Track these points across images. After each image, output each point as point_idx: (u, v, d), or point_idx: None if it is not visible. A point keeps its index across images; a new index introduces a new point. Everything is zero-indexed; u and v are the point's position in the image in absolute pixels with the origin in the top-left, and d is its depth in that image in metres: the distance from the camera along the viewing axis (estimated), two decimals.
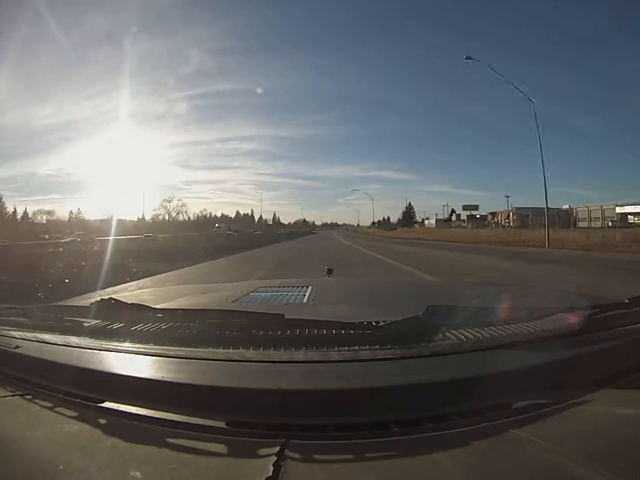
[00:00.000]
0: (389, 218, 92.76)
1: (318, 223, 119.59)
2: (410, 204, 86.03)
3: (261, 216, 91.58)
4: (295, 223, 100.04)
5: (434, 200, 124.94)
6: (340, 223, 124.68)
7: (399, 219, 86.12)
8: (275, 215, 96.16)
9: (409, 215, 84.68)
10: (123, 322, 0.79)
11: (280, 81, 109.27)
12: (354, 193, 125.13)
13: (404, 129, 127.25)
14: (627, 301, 0.76)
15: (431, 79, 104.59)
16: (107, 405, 0.57)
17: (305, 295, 1.22)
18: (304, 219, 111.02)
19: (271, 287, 1.53)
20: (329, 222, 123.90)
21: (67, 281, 6.48)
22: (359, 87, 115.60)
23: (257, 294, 1.31)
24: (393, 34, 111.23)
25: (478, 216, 62.33)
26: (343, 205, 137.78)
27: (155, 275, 8.24)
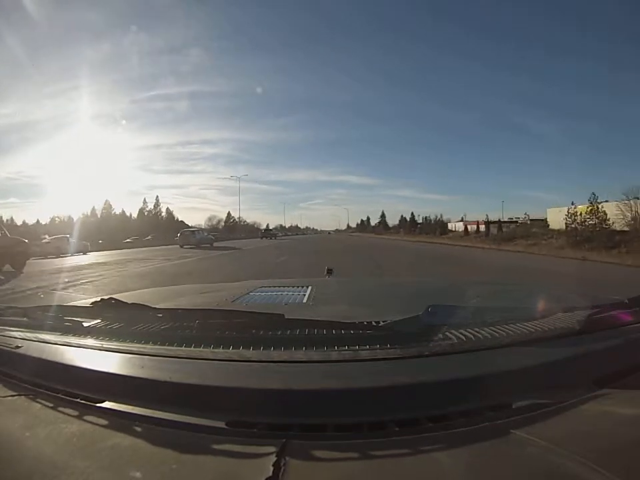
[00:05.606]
0: (368, 219, 78.78)
1: (273, 226, 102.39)
2: None
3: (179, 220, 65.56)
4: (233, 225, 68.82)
5: (398, 205, 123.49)
6: (302, 227, 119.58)
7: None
8: (166, 209, 66.87)
9: None
10: (123, 322, 0.79)
11: (243, 84, 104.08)
12: (316, 198, 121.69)
13: (370, 133, 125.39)
14: (626, 301, 0.76)
15: (398, 84, 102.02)
16: (106, 404, 0.57)
17: (304, 294, 1.23)
18: (238, 216, 78.44)
19: (271, 286, 1.53)
20: (287, 225, 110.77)
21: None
22: (324, 90, 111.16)
23: (257, 294, 1.31)
24: (360, 38, 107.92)
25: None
26: (305, 210, 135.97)
27: None
